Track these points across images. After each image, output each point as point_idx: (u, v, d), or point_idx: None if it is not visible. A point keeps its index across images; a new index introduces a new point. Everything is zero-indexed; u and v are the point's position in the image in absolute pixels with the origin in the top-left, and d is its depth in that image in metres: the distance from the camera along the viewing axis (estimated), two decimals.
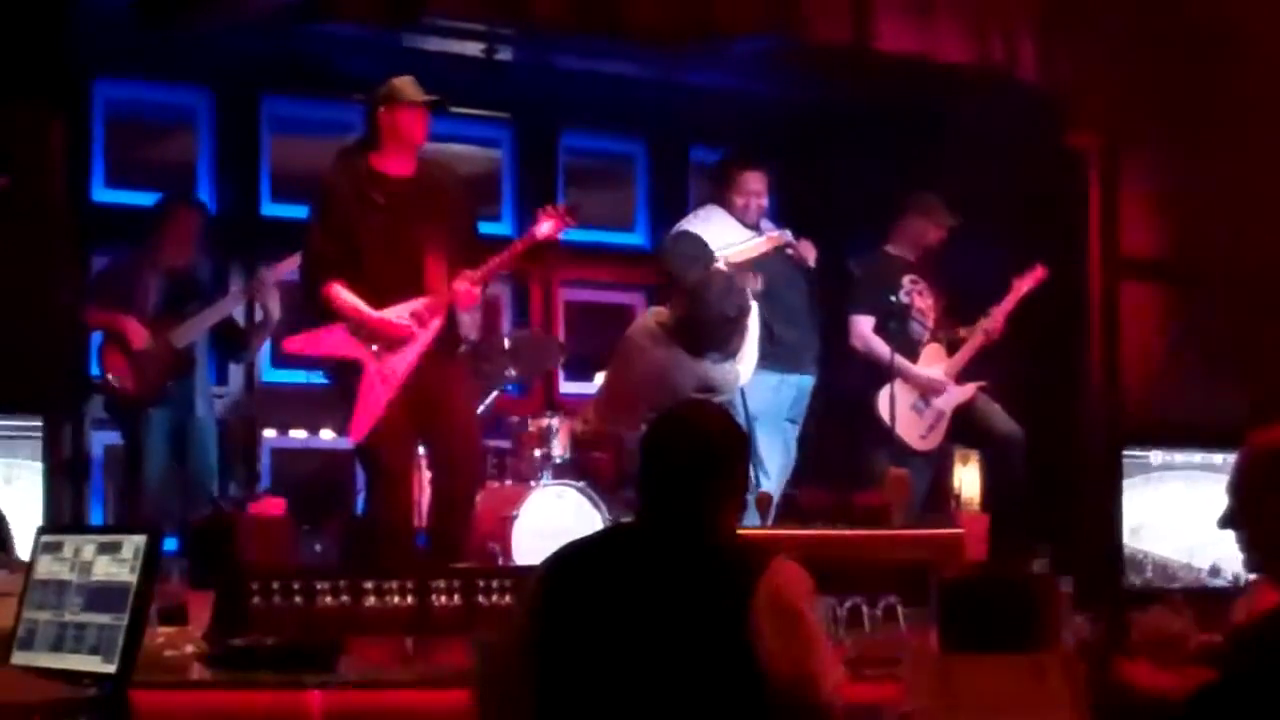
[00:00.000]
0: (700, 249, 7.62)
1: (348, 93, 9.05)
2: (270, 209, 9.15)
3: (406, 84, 6.75)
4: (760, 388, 7.61)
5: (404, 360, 6.56)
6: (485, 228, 7.20)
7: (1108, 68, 8.57)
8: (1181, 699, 3.66)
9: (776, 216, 8.25)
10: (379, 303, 6.57)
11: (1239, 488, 3.67)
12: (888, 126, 8.98)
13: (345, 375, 6.62)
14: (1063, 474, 8.44)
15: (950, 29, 8.28)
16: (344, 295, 6.54)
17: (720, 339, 7.30)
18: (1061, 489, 8.41)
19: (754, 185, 7.81)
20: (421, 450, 6.99)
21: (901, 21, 8.15)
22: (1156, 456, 8.17)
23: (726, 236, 7.79)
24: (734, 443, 3.64)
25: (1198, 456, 8.20)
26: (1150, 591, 4.95)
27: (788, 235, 7.88)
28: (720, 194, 7.90)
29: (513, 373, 8.42)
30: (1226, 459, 7.61)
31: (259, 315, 8.12)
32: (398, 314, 6.55)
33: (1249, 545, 3.68)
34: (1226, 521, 3.70)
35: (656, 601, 3.42)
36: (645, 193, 10.10)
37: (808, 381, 7.82)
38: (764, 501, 6.66)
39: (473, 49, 8.65)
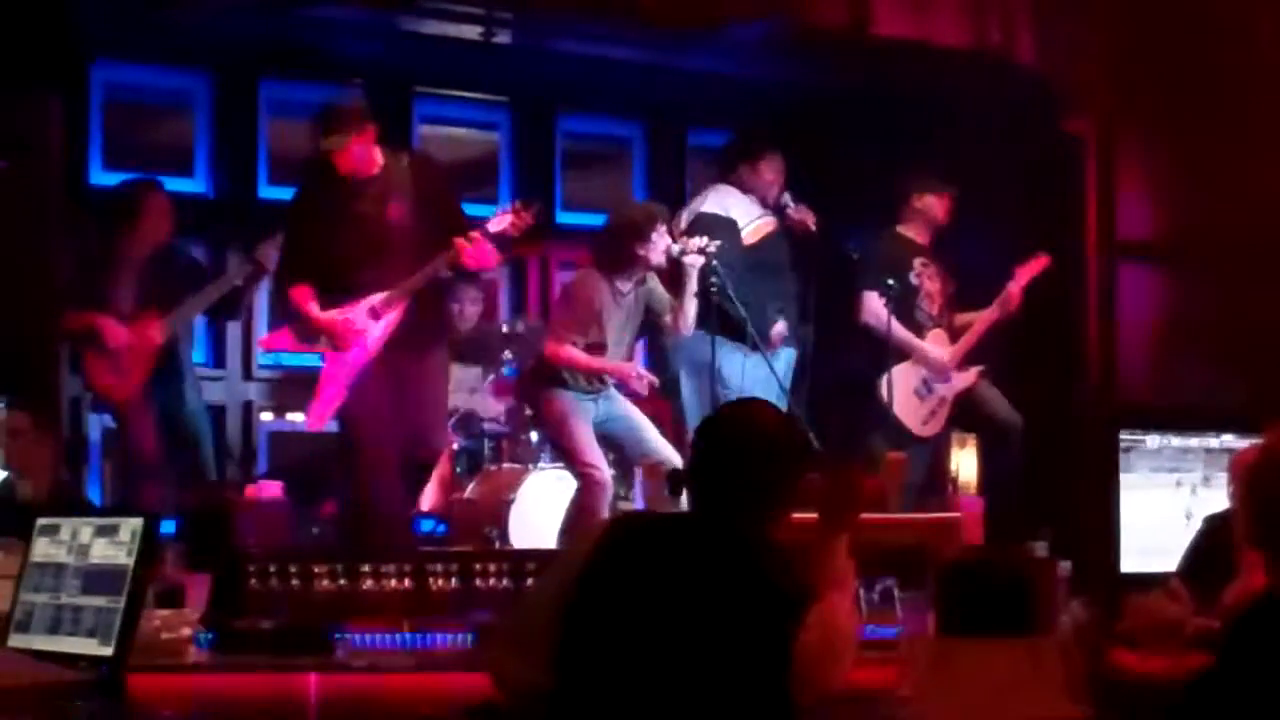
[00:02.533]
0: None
1: (346, 76, 9.09)
2: (268, 192, 9.15)
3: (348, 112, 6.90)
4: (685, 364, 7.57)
5: (363, 353, 6.75)
6: (482, 211, 7.18)
7: (1104, 52, 8.55)
8: (1170, 683, 3.66)
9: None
10: (349, 300, 6.74)
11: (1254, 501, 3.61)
12: (885, 111, 8.96)
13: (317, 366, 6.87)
14: (1060, 458, 8.38)
15: (948, 13, 8.25)
16: (304, 299, 6.77)
17: (624, 254, 7.19)
18: (1059, 473, 8.36)
19: (773, 162, 7.85)
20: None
21: (899, 6, 8.12)
22: (1153, 440, 8.16)
23: (745, 215, 7.78)
24: (790, 443, 3.64)
25: (1194, 440, 8.19)
26: (1148, 576, 4.94)
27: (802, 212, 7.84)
28: (738, 174, 7.86)
29: (509, 357, 8.45)
30: (1224, 442, 7.68)
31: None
32: (351, 312, 6.72)
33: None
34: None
35: (695, 595, 3.41)
36: (643, 176, 10.08)
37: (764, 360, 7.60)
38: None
39: (471, 32, 8.64)
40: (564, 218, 9.95)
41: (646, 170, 10.11)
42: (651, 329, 7.59)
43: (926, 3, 8.19)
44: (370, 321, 6.74)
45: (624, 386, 7.30)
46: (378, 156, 6.82)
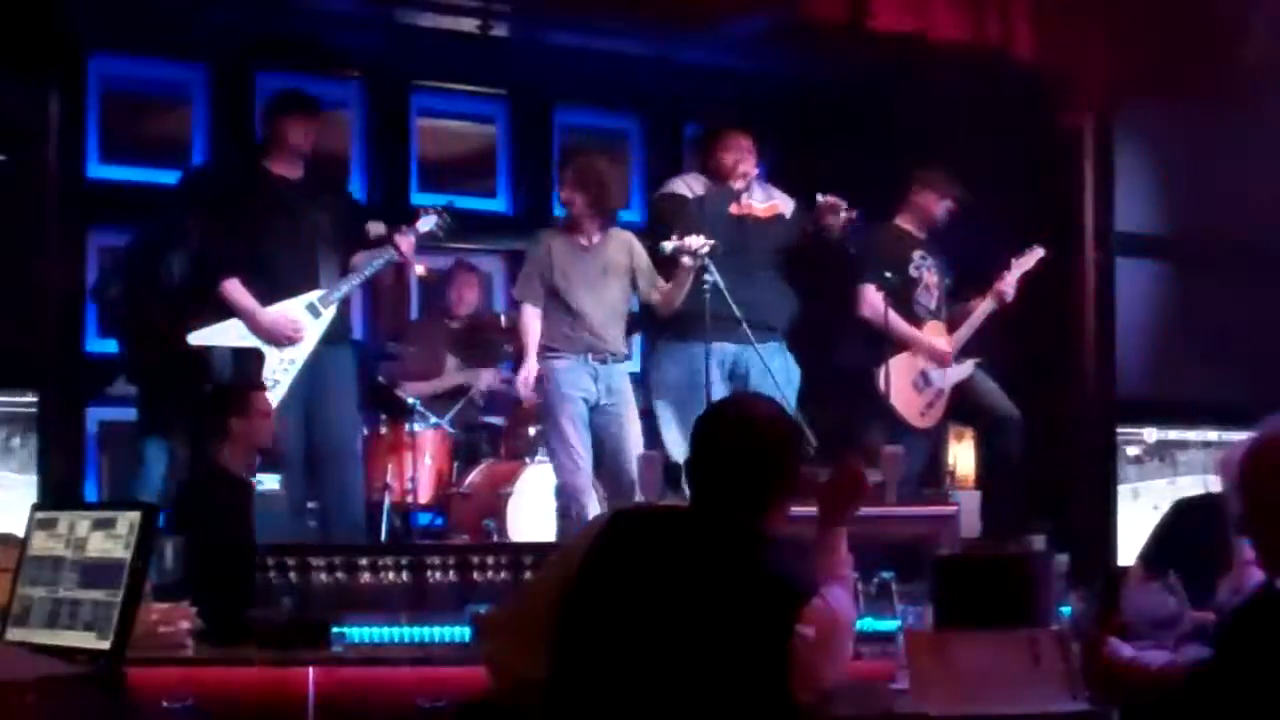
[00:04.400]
0: (680, 205, 7.46)
1: (341, 69, 9.11)
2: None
3: (292, 94, 7.14)
4: (667, 358, 7.45)
5: (303, 350, 6.90)
6: (480, 204, 7.23)
7: (1102, 47, 8.51)
8: (1166, 676, 3.67)
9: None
10: (276, 297, 6.87)
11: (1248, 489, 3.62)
12: (883, 104, 8.93)
13: (247, 361, 6.89)
14: (1058, 452, 8.43)
15: (946, 7, 8.20)
16: (238, 292, 6.84)
17: (597, 196, 7.12)
18: (1056, 466, 8.41)
19: (739, 141, 7.59)
20: None
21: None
22: (1151, 434, 8.19)
23: (681, 189, 7.59)
24: (785, 436, 3.62)
25: (1192, 434, 8.20)
26: (1117, 574, 4.95)
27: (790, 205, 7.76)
28: (706, 158, 7.73)
29: (508, 349, 8.41)
30: (1223, 437, 7.68)
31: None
32: (292, 307, 6.86)
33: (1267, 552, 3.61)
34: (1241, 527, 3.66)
35: (695, 589, 3.40)
36: (640, 169, 10.06)
37: (730, 350, 7.39)
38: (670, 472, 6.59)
39: (468, 25, 8.66)
40: (561, 210, 9.88)
41: (644, 163, 10.08)
42: (643, 322, 7.53)
43: None
44: (309, 318, 6.89)
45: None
46: (302, 164, 7.01)
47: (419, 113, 9.65)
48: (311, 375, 6.96)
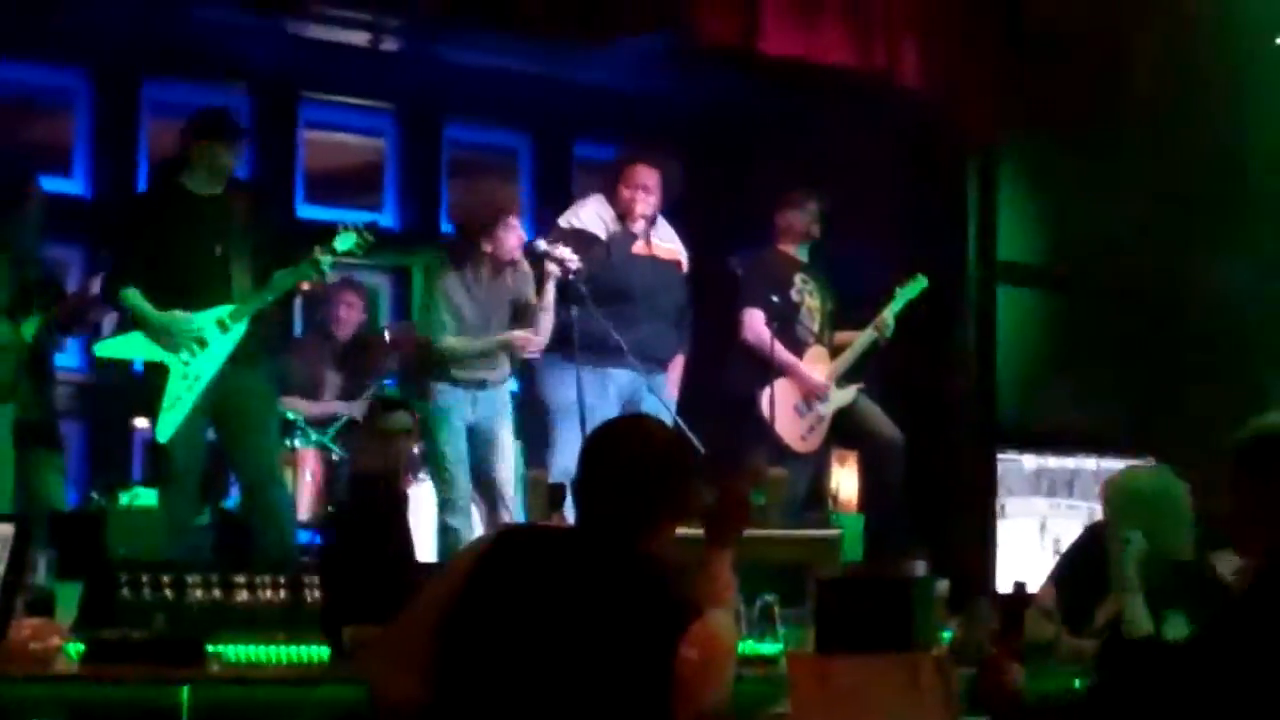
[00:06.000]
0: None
1: (230, 79, 9.01)
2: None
3: (220, 117, 6.97)
4: (552, 379, 7.40)
5: (209, 365, 6.74)
6: (367, 218, 7.14)
7: (987, 77, 8.61)
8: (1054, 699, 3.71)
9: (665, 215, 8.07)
10: (185, 307, 6.72)
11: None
12: (773, 128, 8.98)
13: (153, 376, 6.77)
14: (939, 477, 8.49)
15: (835, 33, 8.26)
16: (134, 299, 6.73)
17: (466, 244, 7.08)
18: (938, 491, 8.46)
19: (643, 179, 7.54)
20: None
21: (789, 24, 8.12)
22: (1030, 461, 8.28)
23: (593, 223, 7.55)
24: (676, 458, 3.60)
25: (1070, 461, 8.31)
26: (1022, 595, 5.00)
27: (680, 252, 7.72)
28: (608, 186, 7.71)
29: (392, 365, 8.37)
30: (1100, 465, 7.78)
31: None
32: (200, 319, 6.73)
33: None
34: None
35: (579, 609, 3.40)
36: (529, 186, 10.04)
37: (627, 376, 7.36)
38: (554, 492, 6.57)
39: (358, 38, 8.67)
40: (449, 226, 9.87)
41: (532, 181, 10.07)
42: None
43: (815, 22, 8.19)
44: (218, 334, 6.74)
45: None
46: (223, 181, 6.88)
47: (306, 124, 9.58)
48: (224, 398, 6.76)
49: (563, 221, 7.59)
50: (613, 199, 7.59)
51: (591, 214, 7.56)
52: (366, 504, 6.08)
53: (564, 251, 7.04)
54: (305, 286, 7.00)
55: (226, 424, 6.85)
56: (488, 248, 7.05)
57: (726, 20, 7.99)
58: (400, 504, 6.10)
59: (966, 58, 8.55)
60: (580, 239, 7.40)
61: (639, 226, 7.56)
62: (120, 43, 8.66)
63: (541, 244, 7.07)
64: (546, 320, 7.14)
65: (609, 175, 7.72)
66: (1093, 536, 5.34)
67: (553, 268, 7.05)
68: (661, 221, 7.71)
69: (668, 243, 7.72)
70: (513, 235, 7.05)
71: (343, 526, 5.87)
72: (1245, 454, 3.63)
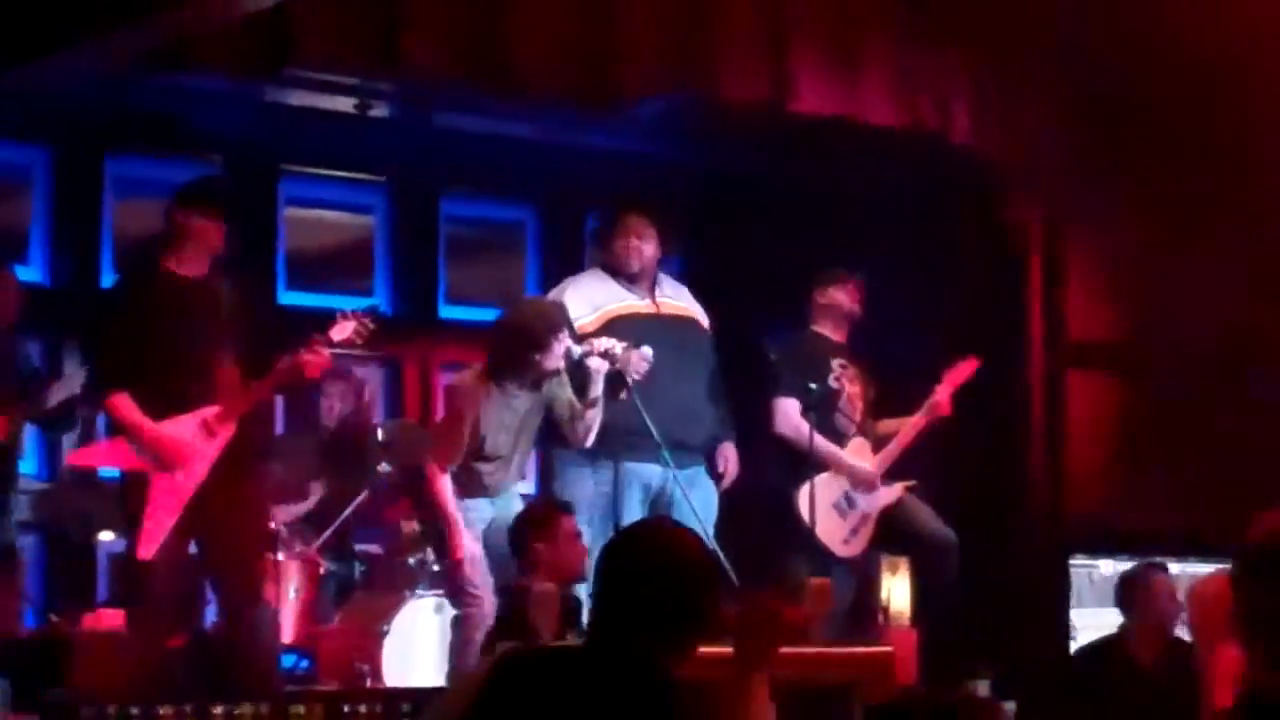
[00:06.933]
0: (545, 311, 7.39)
1: (203, 152, 9.04)
2: (112, 281, 9.04)
3: (212, 188, 7.05)
4: (570, 477, 7.46)
5: (194, 474, 6.70)
6: (356, 304, 7.17)
7: (1050, 133, 8.65)
8: None
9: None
10: (170, 412, 6.68)
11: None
12: (807, 195, 9.00)
13: (133, 488, 6.74)
14: (1003, 584, 8.48)
15: (877, 89, 8.31)
16: (126, 407, 6.69)
17: (517, 360, 7.17)
18: (1002, 601, 8.43)
19: (635, 226, 7.58)
20: None
21: (823, 80, 8.18)
22: (1107, 565, 8.21)
23: (597, 297, 7.61)
24: (702, 573, 3.60)
25: None
26: None
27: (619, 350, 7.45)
28: (601, 248, 7.74)
29: (385, 468, 8.39)
30: (1185, 570, 7.74)
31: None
32: (184, 425, 6.69)
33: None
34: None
35: None
36: (536, 265, 10.09)
37: (655, 472, 7.45)
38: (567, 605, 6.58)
39: (344, 104, 8.65)
40: (448, 312, 9.96)
41: (540, 259, 10.11)
42: (546, 438, 7.50)
43: (854, 77, 8.24)
44: (204, 438, 6.71)
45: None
46: (207, 261, 6.86)
47: (288, 201, 9.63)
48: (209, 510, 6.72)
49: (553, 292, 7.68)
50: (605, 264, 7.66)
51: (589, 292, 7.60)
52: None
53: (604, 343, 7.13)
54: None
55: (211, 538, 6.79)
56: (537, 358, 7.14)
57: (752, 77, 8.05)
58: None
59: (1027, 112, 8.59)
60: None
61: (635, 267, 7.59)
62: (80, 114, 8.70)
63: (577, 350, 7.15)
64: (594, 421, 7.23)
65: (598, 239, 7.81)
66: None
67: (597, 363, 7.12)
68: (667, 279, 7.76)
69: (677, 300, 7.74)
70: (563, 346, 7.18)
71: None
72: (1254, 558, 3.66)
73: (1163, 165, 8.61)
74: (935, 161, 8.56)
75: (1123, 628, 7.01)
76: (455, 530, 7.09)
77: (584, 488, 7.33)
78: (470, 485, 7.21)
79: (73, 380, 7.59)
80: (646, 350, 7.26)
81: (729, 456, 7.73)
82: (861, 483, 7.95)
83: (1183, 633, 6.63)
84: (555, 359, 7.16)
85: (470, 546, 7.09)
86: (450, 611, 7.32)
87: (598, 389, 7.18)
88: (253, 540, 7.03)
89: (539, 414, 7.31)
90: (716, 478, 7.69)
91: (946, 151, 8.51)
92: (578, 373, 7.22)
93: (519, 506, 7.20)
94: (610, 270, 7.67)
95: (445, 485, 7.15)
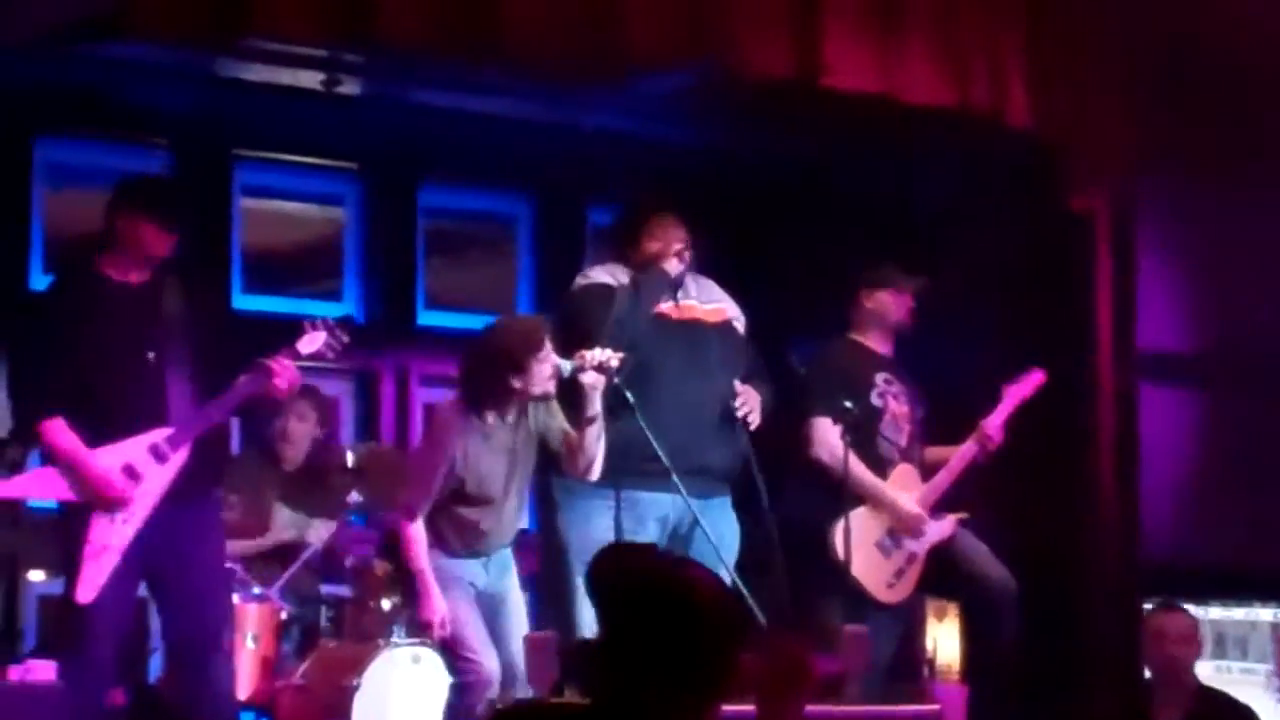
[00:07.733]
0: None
1: (146, 135, 9.06)
2: (42, 281, 8.95)
3: (156, 188, 7.01)
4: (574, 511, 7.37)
5: (143, 506, 6.66)
6: (322, 309, 7.13)
7: (1120, 113, 8.62)
8: None
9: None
10: (115, 436, 6.63)
11: None
12: (841, 184, 9.07)
13: (71, 521, 6.68)
14: (1066, 633, 8.45)
15: (921, 64, 8.25)
16: (60, 434, 6.62)
17: (493, 387, 7.06)
18: (1065, 653, 8.40)
19: (674, 230, 7.51)
20: None
21: (860, 52, 8.08)
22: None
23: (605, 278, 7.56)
24: (721, 619, 3.50)
25: (1239, 612, 8.15)
26: None
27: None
28: (627, 249, 7.58)
29: (357, 498, 8.38)
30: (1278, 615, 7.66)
31: None
32: (131, 450, 6.63)
33: None
34: None
35: None
36: (530, 265, 10.18)
37: (670, 502, 7.32)
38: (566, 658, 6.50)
39: (310, 79, 8.66)
40: (428, 318, 10.04)
41: (534, 257, 10.18)
42: (546, 466, 7.40)
43: (895, 49, 8.16)
44: (154, 465, 6.64)
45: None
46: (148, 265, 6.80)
47: (244, 191, 9.70)
48: (160, 545, 6.68)
49: (578, 281, 7.57)
50: (629, 261, 7.54)
51: (602, 271, 7.54)
52: None
53: (598, 354, 6.99)
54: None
55: (162, 577, 6.78)
56: (517, 383, 7.03)
57: (777, 49, 7.93)
58: None
59: (1094, 89, 8.57)
60: (602, 294, 7.38)
61: (673, 267, 7.49)
62: (5, 94, 8.65)
63: (566, 366, 7.03)
64: (597, 448, 7.11)
65: (619, 236, 7.71)
66: None
67: (591, 378, 6.98)
68: (693, 279, 7.63)
69: (707, 303, 7.62)
70: (547, 366, 7.06)
71: None
72: None
73: (1249, 151, 8.59)
74: (987, 146, 8.54)
75: (1142, 686, 7.16)
76: (426, 589, 7.05)
77: (595, 524, 7.21)
78: (461, 537, 7.14)
79: None
80: None
81: (750, 394, 7.51)
82: (904, 525, 7.88)
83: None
84: (540, 382, 7.04)
85: (456, 608, 7.04)
86: (430, 663, 7.33)
87: (595, 407, 7.04)
88: (211, 577, 6.96)
89: (532, 449, 7.22)
90: (740, 433, 7.48)
91: (1000, 134, 8.45)
92: (570, 392, 7.08)
93: (514, 583, 7.27)
94: (633, 268, 7.54)
95: (416, 534, 7.08)
